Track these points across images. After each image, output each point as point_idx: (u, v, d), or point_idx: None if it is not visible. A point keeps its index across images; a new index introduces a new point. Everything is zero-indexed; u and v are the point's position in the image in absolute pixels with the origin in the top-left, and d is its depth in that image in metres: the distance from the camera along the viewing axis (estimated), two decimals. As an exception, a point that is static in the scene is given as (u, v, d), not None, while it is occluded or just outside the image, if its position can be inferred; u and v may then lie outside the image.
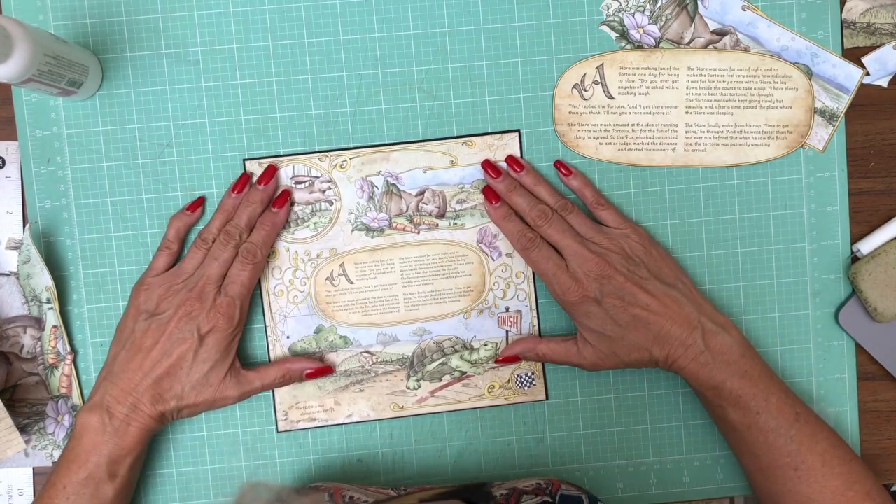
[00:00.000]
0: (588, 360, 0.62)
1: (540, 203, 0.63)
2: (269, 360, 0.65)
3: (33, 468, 0.66)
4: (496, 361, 0.65)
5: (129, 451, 0.58)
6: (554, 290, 0.61)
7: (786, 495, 0.58)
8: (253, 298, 0.65)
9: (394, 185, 0.65)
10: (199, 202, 0.64)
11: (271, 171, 0.63)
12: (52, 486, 0.58)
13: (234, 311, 0.60)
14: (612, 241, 0.62)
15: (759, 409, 0.58)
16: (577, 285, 0.60)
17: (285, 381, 0.63)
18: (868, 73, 0.66)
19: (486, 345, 0.66)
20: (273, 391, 0.65)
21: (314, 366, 0.64)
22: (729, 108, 0.66)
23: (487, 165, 0.64)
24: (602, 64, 0.65)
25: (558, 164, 0.65)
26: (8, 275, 0.65)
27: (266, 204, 0.63)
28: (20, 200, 0.65)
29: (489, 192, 0.64)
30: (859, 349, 0.67)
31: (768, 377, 0.60)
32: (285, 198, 0.63)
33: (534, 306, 0.66)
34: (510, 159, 0.64)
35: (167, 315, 0.59)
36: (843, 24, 0.66)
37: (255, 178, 0.64)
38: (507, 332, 0.66)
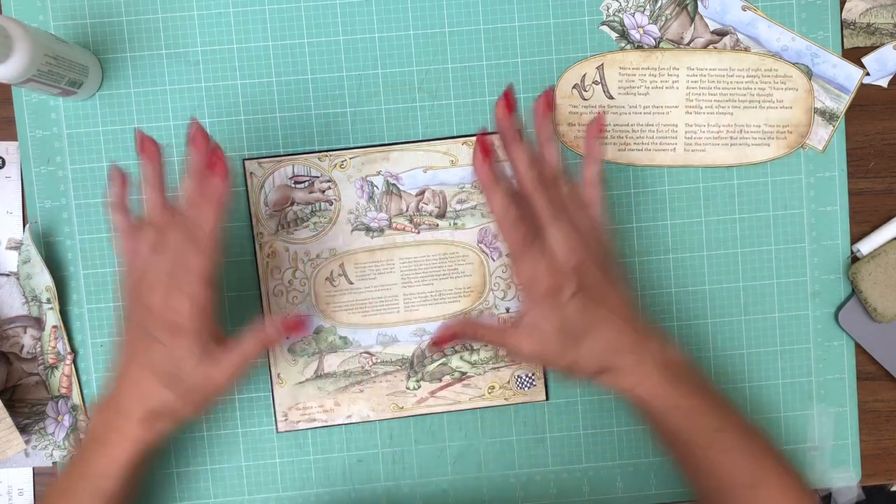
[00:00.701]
0: (527, 348, 0.55)
1: (543, 163, 0.56)
2: (269, 360, 0.65)
3: (33, 468, 0.66)
4: (431, 345, 0.58)
5: (119, 468, 0.55)
6: (521, 275, 0.55)
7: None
8: (252, 298, 0.65)
9: (394, 185, 0.65)
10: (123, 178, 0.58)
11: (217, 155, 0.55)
12: (56, 485, 0.57)
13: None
14: (595, 232, 0.56)
15: (719, 426, 0.55)
16: (553, 277, 0.54)
17: (267, 344, 0.56)
18: (868, 74, 0.66)
19: (486, 346, 0.66)
20: (272, 392, 0.65)
21: (286, 321, 0.56)
22: (729, 108, 0.66)
23: (507, 96, 0.56)
24: (602, 64, 0.65)
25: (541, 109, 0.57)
26: (8, 275, 0.65)
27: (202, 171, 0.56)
28: (20, 200, 0.65)
29: (483, 143, 0.55)
30: (859, 349, 0.67)
31: (719, 390, 0.57)
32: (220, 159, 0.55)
33: (534, 306, 0.66)
34: (545, 97, 0.56)
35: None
36: (843, 25, 0.66)
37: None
38: (507, 332, 0.66)
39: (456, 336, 0.57)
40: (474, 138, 0.65)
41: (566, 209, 0.56)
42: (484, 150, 0.56)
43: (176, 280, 0.54)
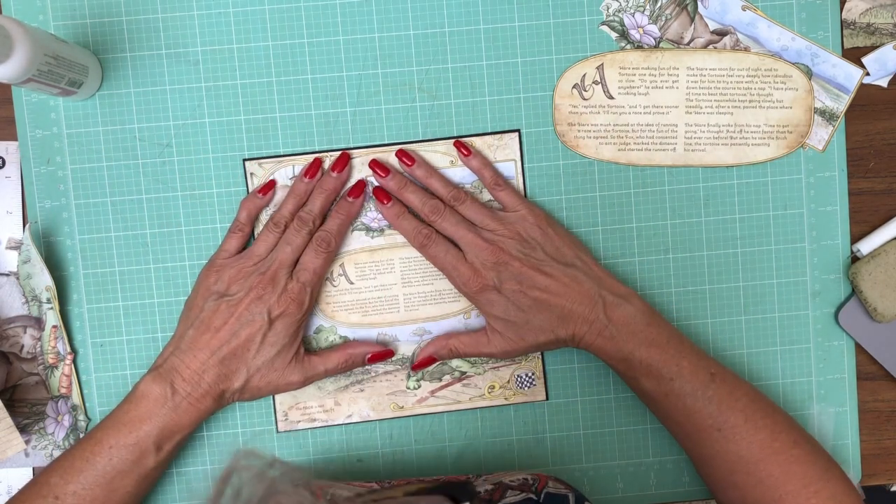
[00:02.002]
0: (498, 349, 0.62)
1: (432, 198, 0.62)
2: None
3: (33, 468, 0.66)
4: (412, 368, 0.65)
5: (181, 429, 0.59)
6: (455, 284, 0.62)
7: (715, 457, 0.58)
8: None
9: (394, 185, 0.65)
10: (271, 185, 0.64)
11: (345, 159, 0.63)
12: (98, 442, 0.58)
13: (305, 297, 0.60)
14: (506, 225, 0.61)
15: (672, 374, 0.58)
16: (476, 275, 0.60)
17: (348, 365, 0.64)
18: (868, 73, 0.66)
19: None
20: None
21: (375, 349, 0.64)
22: (729, 108, 0.66)
23: (374, 165, 0.63)
24: (602, 64, 0.65)
25: (457, 145, 0.64)
26: (8, 275, 0.65)
27: (339, 192, 0.64)
28: (20, 200, 0.65)
29: (380, 192, 0.63)
30: (859, 349, 0.67)
31: (677, 342, 0.60)
32: (361, 187, 0.63)
33: (534, 306, 0.66)
34: (400, 153, 0.64)
35: (238, 296, 0.60)
36: (843, 24, 0.66)
37: (327, 164, 0.64)
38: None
39: (433, 359, 0.65)
40: (474, 138, 0.65)
41: (463, 222, 0.62)
42: (379, 197, 0.63)
43: (298, 275, 0.61)
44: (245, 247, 0.64)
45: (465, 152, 0.64)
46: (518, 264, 0.60)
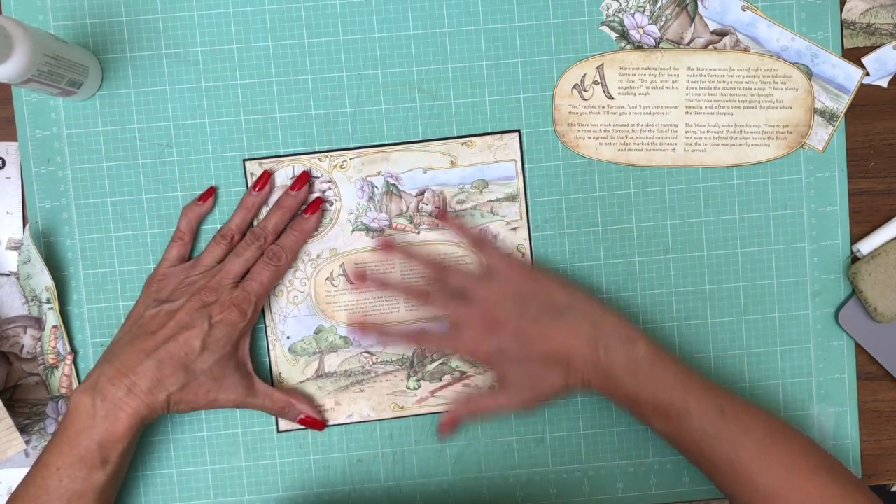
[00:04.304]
0: (515, 402, 0.61)
1: (411, 288, 0.64)
2: (269, 360, 0.65)
3: (33, 468, 0.66)
4: (439, 430, 0.65)
5: (119, 438, 0.57)
6: (462, 359, 0.65)
7: (735, 491, 0.58)
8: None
9: (394, 185, 0.65)
10: (211, 192, 0.64)
11: (304, 178, 0.63)
12: (45, 466, 0.57)
13: (248, 307, 0.60)
14: (495, 286, 0.62)
15: (680, 413, 0.58)
16: (476, 346, 0.61)
17: (283, 412, 0.63)
18: (868, 74, 0.66)
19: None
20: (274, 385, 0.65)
21: (311, 413, 0.64)
22: (729, 108, 0.66)
23: (354, 274, 0.65)
24: (602, 64, 0.65)
25: (438, 215, 0.65)
26: (8, 275, 0.65)
27: (295, 211, 0.63)
28: (20, 200, 0.65)
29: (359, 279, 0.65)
30: (859, 349, 0.67)
31: (684, 379, 0.59)
32: (318, 204, 0.64)
33: (534, 306, 0.66)
34: (380, 241, 0.65)
35: (180, 302, 0.59)
36: (843, 25, 0.66)
37: (275, 177, 0.64)
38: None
39: (458, 422, 0.65)
40: (474, 138, 0.65)
41: (450, 300, 0.62)
42: (359, 327, 0.65)
43: (244, 286, 0.60)
44: (189, 257, 0.63)
45: (443, 220, 0.65)
46: (513, 326, 0.60)
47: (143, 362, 0.57)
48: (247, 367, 0.62)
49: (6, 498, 0.65)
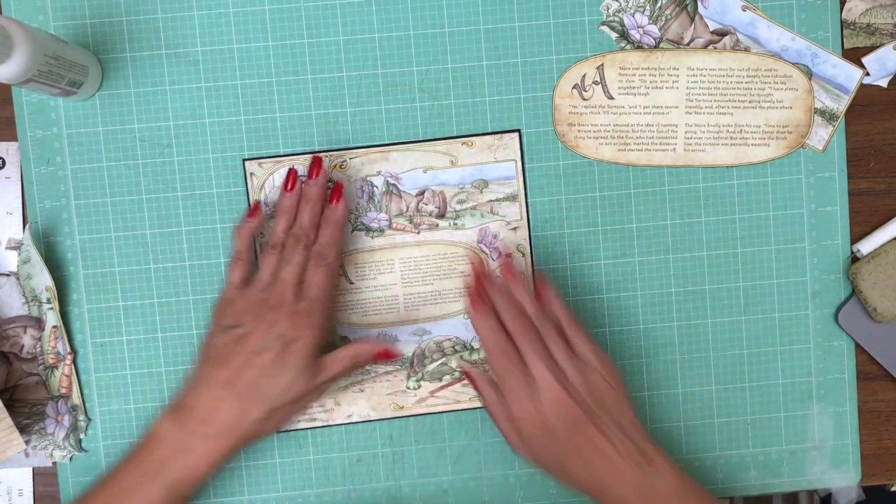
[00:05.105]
0: (523, 451, 0.59)
1: (523, 316, 0.59)
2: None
3: (33, 468, 0.66)
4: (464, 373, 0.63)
5: (197, 474, 0.56)
6: (510, 409, 0.58)
7: None
8: (253, 298, 0.65)
9: (394, 185, 0.65)
10: (257, 207, 0.63)
11: (318, 163, 0.62)
12: (115, 484, 0.56)
13: (316, 316, 0.59)
14: (581, 372, 0.58)
15: None
16: (539, 415, 0.57)
17: (355, 365, 0.62)
18: (868, 74, 0.66)
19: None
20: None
21: (381, 348, 0.62)
22: (729, 108, 0.66)
23: (506, 268, 0.61)
24: (602, 64, 0.65)
25: (538, 287, 0.62)
26: (8, 275, 0.65)
27: (323, 198, 0.62)
28: (20, 200, 0.65)
29: (476, 296, 0.61)
30: (859, 349, 0.67)
31: None
32: (339, 191, 0.62)
33: (534, 306, 0.66)
34: (505, 268, 0.62)
35: (249, 327, 0.58)
36: (843, 25, 0.66)
37: (302, 172, 0.63)
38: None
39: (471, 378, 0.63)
40: (474, 138, 0.65)
41: (546, 354, 0.58)
42: (473, 302, 0.60)
43: (307, 293, 0.59)
44: (251, 273, 0.62)
45: (541, 294, 0.61)
46: (583, 416, 0.56)
47: (224, 394, 0.57)
48: (320, 363, 0.60)
49: (6, 499, 0.65)
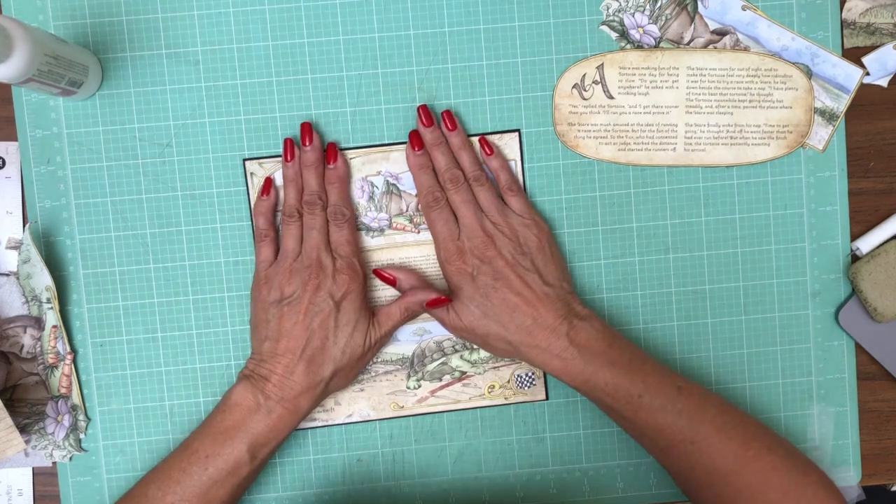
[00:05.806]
0: (454, 323, 0.62)
1: (457, 167, 0.63)
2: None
3: (33, 468, 0.66)
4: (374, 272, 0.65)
5: (276, 435, 0.59)
6: (438, 254, 0.63)
7: (692, 470, 0.58)
8: (253, 298, 0.65)
9: (394, 185, 0.65)
10: (269, 184, 0.64)
11: (308, 129, 0.63)
12: (194, 452, 0.58)
13: (357, 269, 0.61)
14: (509, 224, 0.62)
15: (639, 391, 0.58)
16: (459, 256, 0.61)
17: (408, 315, 0.63)
18: (868, 73, 0.66)
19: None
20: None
21: (430, 297, 0.62)
22: (729, 108, 0.66)
23: (422, 110, 0.63)
24: (602, 64, 0.65)
25: (482, 141, 0.64)
26: (8, 275, 0.65)
27: (321, 159, 0.64)
28: (20, 200, 0.65)
29: (415, 138, 0.64)
30: (859, 349, 0.67)
31: (640, 360, 0.60)
32: (334, 149, 0.64)
33: (534, 306, 0.66)
34: (446, 114, 0.64)
35: (297, 295, 0.60)
36: (843, 24, 0.66)
37: (298, 141, 0.64)
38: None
39: (394, 281, 0.64)
40: (474, 137, 0.65)
41: (473, 202, 0.62)
42: (413, 143, 0.64)
43: (338, 252, 0.62)
44: (276, 249, 0.64)
45: (488, 151, 0.64)
46: (503, 263, 0.61)
47: (294, 361, 0.59)
48: (374, 320, 0.63)
49: (6, 499, 0.65)
